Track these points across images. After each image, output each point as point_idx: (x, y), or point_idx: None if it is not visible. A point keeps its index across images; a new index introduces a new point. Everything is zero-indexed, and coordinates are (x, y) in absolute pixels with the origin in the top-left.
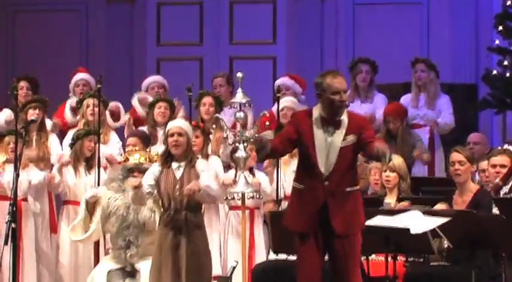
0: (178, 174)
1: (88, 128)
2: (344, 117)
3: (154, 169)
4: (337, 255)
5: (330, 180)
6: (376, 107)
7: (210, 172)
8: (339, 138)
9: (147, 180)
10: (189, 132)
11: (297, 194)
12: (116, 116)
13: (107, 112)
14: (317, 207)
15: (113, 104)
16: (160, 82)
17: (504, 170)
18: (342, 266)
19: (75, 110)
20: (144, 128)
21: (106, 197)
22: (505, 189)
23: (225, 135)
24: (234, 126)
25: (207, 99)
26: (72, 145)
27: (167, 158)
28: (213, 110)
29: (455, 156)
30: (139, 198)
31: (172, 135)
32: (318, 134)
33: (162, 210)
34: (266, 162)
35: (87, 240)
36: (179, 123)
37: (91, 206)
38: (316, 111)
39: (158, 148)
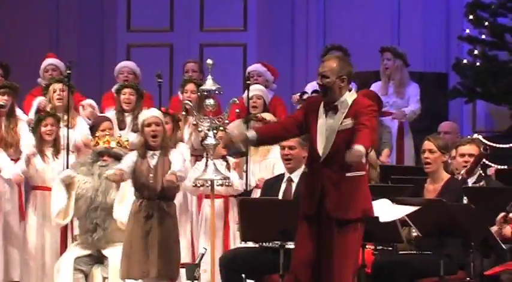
0: (153, 162)
1: (45, 114)
2: (348, 101)
3: (132, 157)
4: (330, 244)
5: (328, 163)
6: None
7: (180, 157)
8: (337, 121)
9: (127, 163)
10: (164, 121)
11: (304, 178)
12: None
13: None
14: (315, 190)
15: (86, 103)
16: (131, 68)
17: (472, 159)
18: (333, 255)
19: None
20: (112, 113)
21: (76, 178)
22: (474, 179)
23: (194, 122)
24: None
25: (189, 86)
26: (34, 131)
27: (144, 148)
28: (195, 97)
29: (426, 144)
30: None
31: (149, 125)
32: (321, 118)
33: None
34: (233, 164)
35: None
36: (155, 112)
37: (66, 188)
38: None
39: (126, 134)
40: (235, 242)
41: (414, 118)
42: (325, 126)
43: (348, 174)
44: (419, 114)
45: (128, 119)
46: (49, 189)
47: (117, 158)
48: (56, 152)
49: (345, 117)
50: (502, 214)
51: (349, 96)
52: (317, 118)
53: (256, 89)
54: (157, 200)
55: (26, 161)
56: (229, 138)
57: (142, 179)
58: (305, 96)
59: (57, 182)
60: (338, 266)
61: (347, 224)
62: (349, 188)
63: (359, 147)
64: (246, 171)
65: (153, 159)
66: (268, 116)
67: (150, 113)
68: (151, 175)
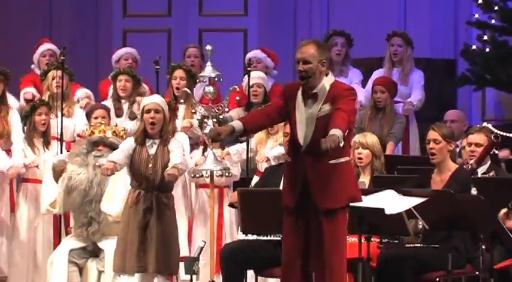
0: (152, 151)
1: (39, 102)
2: (326, 87)
3: (130, 143)
4: (318, 233)
5: (310, 152)
6: (351, 81)
7: (179, 149)
8: (316, 108)
9: (122, 153)
10: (165, 109)
11: (287, 167)
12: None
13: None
14: (298, 180)
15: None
16: (134, 54)
17: (479, 149)
18: (322, 247)
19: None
20: (109, 102)
21: (70, 169)
22: (483, 169)
23: (193, 111)
24: (203, 101)
25: (178, 73)
26: (24, 121)
27: (143, 135)
28: (184, 84)
29: (431, 134)
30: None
31: (148, 111)
32: (300, 106)
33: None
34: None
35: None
36: (156, 99)
37: (57, 174)
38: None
39: (123, 121)
40: (232, 232)
41: (420, 107)
42: (305, 114)
43: (332, 162)
44: (426, 102)
45: (125, 106)
46: (40, 181)
47: (113, 147)
48: (47, 143)
49: (323, 103)
50: (504, 210)
51: (327, 81)
52: (296, 106)
53: (256, 77)
54: (155, 191)
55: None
56: (216, 132)
57: (141, 169)
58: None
59: (48, 169)
60: (330, 254)
61: (334, 212)
62: (334, 175)
63: (334, 131)
64: (247, 159)
65: (151, 148)
66: None
67: (150, 99)
68: (150, 165)
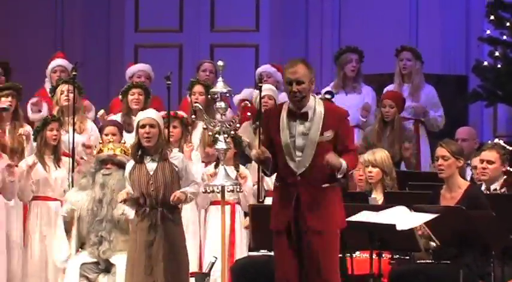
0: (151, 169)
1: (51, 118)
2: (320, 109)
3: (127, 170)
4: (313, 253)
5: (304, 175)
6: (364, 99)
7: (193, 174)
8: (315, 133)
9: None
10: (161, 123)
11: (276, 192)
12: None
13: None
14: (291, 203)
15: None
16: (148, 72)
17: (491, 166)
18: (318, 264)
19: (37, 105)
20: (118, 116)
21: (73, 202)
22: (496, 185)
23: (205, 126)
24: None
25: (197, 88)
26: (35, 137)
27: (139, 151)
28: (203, 99)
29: (439, 150)
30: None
31: (143, 126)
32: (284, 127)
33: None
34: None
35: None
36: (150, 113)
37: (69, 225)
38: (287, 104)
39: (133, 137)
40: (243, 248)
41: (436, 127)
42: (294, 133)
43: (325, 185)
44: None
45: (135, 121)
46: (51, 199)
47: (121, 165)
48: (57, 160)
49: (324, 129)
50: None
51: (318, 104)
52: (279, 129)
53: (267, 89)
54: (160, 208)
55: (26, 172)
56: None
57: (142, 187)
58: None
59: (61, 223)
60: (326, 271)
61: (327, 233)
62: (327, 198)
63: (343, 163)
64: (258, 181)
65: (151, 165)
66: None
67: (144, 115)
68: (151, 182)
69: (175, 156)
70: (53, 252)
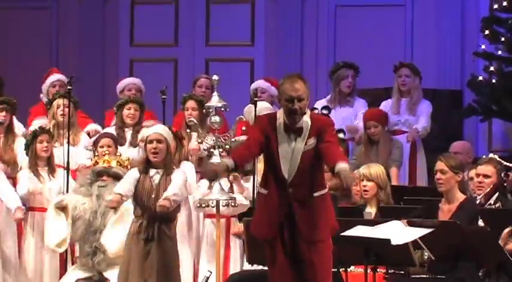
0: (155, 182)
1: (40, 130)
2: (307, 121)
3: (134, 174)
4: (307, 262)
5: (294, 186)
6: (357, 112)
7: (179, 179)
8: (301, 143)
9: (125, 185)
10: (169, 139)
11: (263, 200)
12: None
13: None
14: (282, 213)
15: (92, 129)
16: (138, 85)
17: (487, 180)
18: (312, 273)
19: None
20: (112, 129)
21: (74, 199)
22: (491, 200)
23: (199, 141)
24: (209, 131)
25: (190, 103)
26: (27, 150)
27: (146, 165)
28: (196, 114)
29: (438, 164)
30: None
31: (151, 142)
32: (282, 140)
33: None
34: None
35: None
36: (159, 129)
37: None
38: (280, 116)
39: (126, 150)
40: (237, 262)
41: (425, 135)
42: (288, 148)
43: (315, 194)
44: (433, 133)
45: (128, 134)
46: (45, 210)
47: (117, 177)
48: (51, 171)
49: (307, 138)
50: (508, 229)
51: (307, 115)
52: (277, 140)
53: (264, 108)
54: (157, 222)
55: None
56: (213, 169)
57: (144, 199)
58: (315, 112)
59: (52, 209)
60: (322, 279)
61: (320, 242)
62: (318, 207)
63: (344, 166)
64: (253, 188)
65: (155, 178)
66: None
67: (153, 130)
68: (153, 196)
69: (176, 170)
70: (45, 237)
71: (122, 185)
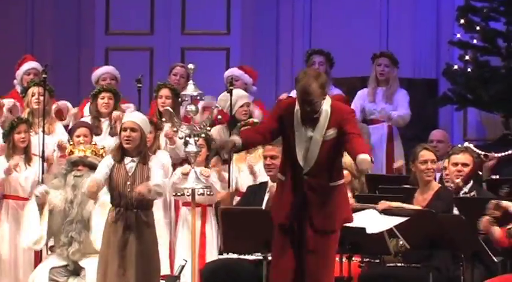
0: (131, 169)
1: (17, 120)
2: (326, 109)
3: (108, 161)
4: (312, 252)
5: (311, 174)
6: None
7: (160, 169)
8: (320, 133)
9: (102, 170)
10: (144, 127)
11: (280, 186)
12: (62, 114)
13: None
14: (297, 200)
15: (62, 103)
16: (113, 73)
17: (466, 169)
18: (315, 264)
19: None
20: (87, 120)
21: (52, 196)
22: (465, 189)
23: (175, 129)
24: (185, 120)
25: (164, 92)
26: (5, 138)
27: (120, 152)
28: (169, 102)
29: (429, 155)
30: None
31: (125, 129)
32: (298, 127)
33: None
34: (213, 161)
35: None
36: (134, 117)
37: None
38: (298, 105)
39: (102, 139)
40: (213, 250)
41: (402, 124)
42: (304, 137)
43: (332, 184)
44: (408, 121)
45: (104, 125)
46: (21, 198)
47: (92, 167)
48: (28, 160)
49: (327, 128)
50: (494, 201)
51: (326, 104)
52: (293, 126)
53: (243, 96)
54: (134, 209)
55: (5, 172)
56: (221, 145)
57: (119, 187)
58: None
59: (32, 203)
60: (322, 271)
61: (329, 233)
62: (332, 197)
63: (365, 157)
64: (229, 179)
65: (130, 166)
66: (256, 120)
67: (128, 117)
68: (128, 183)
69: (152, 158)
70: (22, 234)
71: (98, 173)
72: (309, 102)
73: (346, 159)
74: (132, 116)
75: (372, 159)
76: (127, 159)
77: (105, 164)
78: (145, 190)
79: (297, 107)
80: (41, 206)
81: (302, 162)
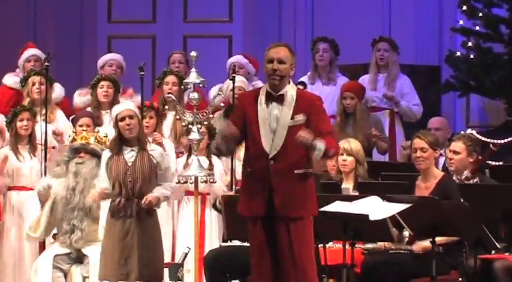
0: (130, 159)
1: (20, 108)
2: (292, 93)
3: (106, 157)
4: (284, 240)
5: (277, 159)
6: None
7: (169, 171)
8: (286, 116)
9: (105, 176)
10: (138, 114)
11: (246, 177)
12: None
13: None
14: (265, 188)
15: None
16: (119, 61)
17: (456, 157)
18: (289, 253)
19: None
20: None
21: (55, 189)
22: (466, 173)
23: (178, 117)
24: (188, 107)
25: (170, 78)
26: (8, 126)
27: (118, 143)
28: (176, 89)
29: (418, 142)
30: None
31: (123, 119)
32: (261, 110)
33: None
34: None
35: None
36: (128, 105)
37: (43, 202)
38: (264, 87)
39: (104, 129)
40: (214, 238)
41: (411, 118)
42: (269, 117)
43: (297, 171)
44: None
45: (106, 117)
46: (26, 188)
47: (94, 154)
48: (33, 150)
49: (295, 112)
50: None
51: (291, 89)
52: (255, 111)
53: (239, 80)
54: (136, 199)
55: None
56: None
57: (119, 177)
58: None
59: (35, 195)
60: (300, 256)
61: (299, 220)
62: (299, 185)
63: (317, 142)
64: (232, 172)
65: (129, 155)
66: None
67: (122, 107)
68: (128, 173)
69: (154, 148)
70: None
71: (102, 177)
72: (278, 60)
73: (353, 145)
74: (125, 105)
75: (322, 149)
76: (126, 150)
77: (105, 168)
78: (153, 200)
79: (262, 91)
80: (43, 202)
81: (268, 147)
